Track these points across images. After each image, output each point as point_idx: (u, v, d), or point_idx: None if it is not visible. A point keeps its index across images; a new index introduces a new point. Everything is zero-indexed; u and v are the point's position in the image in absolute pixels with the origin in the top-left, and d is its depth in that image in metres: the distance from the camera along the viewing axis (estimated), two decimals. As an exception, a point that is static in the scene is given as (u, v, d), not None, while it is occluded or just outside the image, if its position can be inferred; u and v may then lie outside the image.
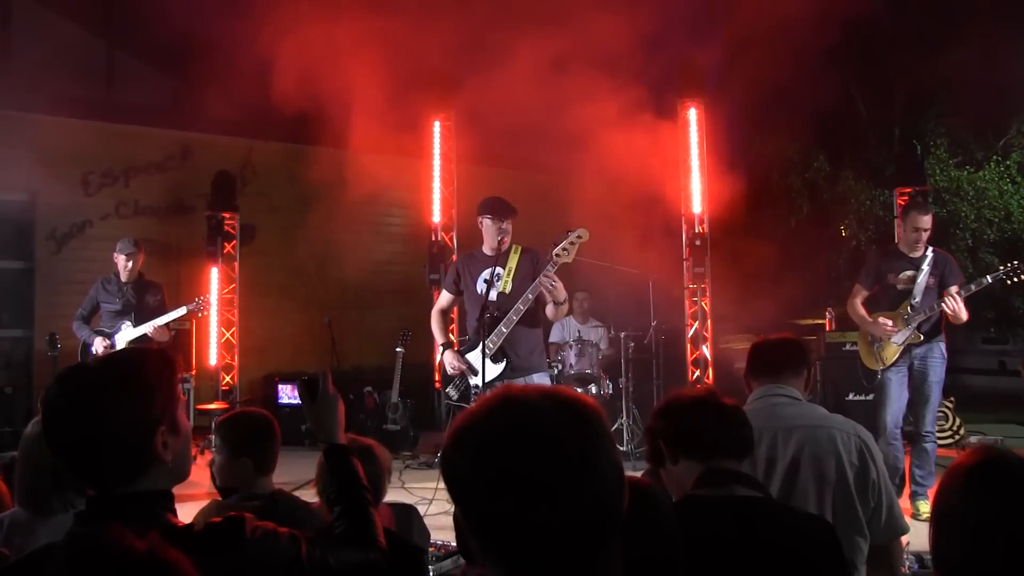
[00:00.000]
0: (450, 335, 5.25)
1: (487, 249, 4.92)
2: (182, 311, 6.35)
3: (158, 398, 1.53)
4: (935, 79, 13.68)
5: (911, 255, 5.43)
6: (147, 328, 6.25)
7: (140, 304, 6.40)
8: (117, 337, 6.32)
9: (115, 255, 6.47)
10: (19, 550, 2.21)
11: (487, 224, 4.89)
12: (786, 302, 10.65)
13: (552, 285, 4.51)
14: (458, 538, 1.17)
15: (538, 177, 10.11)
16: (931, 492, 4.77)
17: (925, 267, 5.33)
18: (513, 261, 4.87)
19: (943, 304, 5.14)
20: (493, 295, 4.83)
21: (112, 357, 1.56)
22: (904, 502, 5.02)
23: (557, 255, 4.52)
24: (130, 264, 6.41)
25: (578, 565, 1.02)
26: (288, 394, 8.68)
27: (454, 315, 7.80)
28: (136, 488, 1.49)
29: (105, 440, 1.47)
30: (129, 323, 6.32)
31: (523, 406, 1.06)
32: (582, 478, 1.02)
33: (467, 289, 5.01)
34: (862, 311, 5.59)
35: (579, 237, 4.52)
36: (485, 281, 4.85)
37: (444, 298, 5.25)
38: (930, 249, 5.42)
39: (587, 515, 1.02)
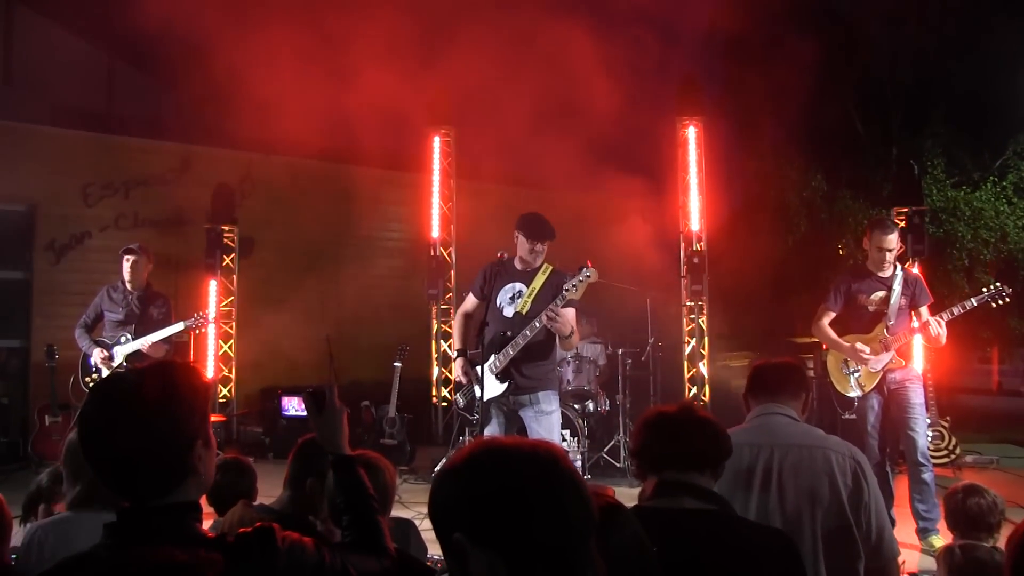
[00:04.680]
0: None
1: (518, 263, 4.88)
2: (179, 327, 6.07)
3: (196, 414, 1.55)
4: (933, 99, 13.79)
5: (880, 274, 5.21)
6: (143, 343, 6.02)
7: (144, 315, 6.17)
8: (116, 349, 6.09)
9: (121, 255, 6.19)
10: (66, 553, 2.27)
11: (520, 240, 4.82)
12: (783, 320, 10.68)
13: (555, 321, 4.45)
14: (457, 566, 1.20)
15: (536, 193, 10.13)
16: (940, 526, 4.61)
17: (896, 287, 5.13)
18: (538, 282, 4.78)
19: (936, 328, 4.95)
20: (510, 312, 4.78)
21: (150, 372, 1.56)
22: (906, 535, 4.83)
23: (566, 290, 4.47)
24: (129, 265, 6.11)
25: (568, 558, 1.19)
26: (295, 407, 8.64)
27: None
28: (169, 500, 1.51)
29: (145, 456, 1.48)
30: (129, 335, 6.10)
31: (496, 443, 1.29)
32: (557, 489, 1.21)
33: (488, 298, 4.95)
34: (833, 334, 5.31)
35: (588, 276, 4.46)
36: (510, 297, 4.82)
37: (469, 302, 5.16)
38: (899, 268, 5.24)
39: (568, 519, 1.20)
